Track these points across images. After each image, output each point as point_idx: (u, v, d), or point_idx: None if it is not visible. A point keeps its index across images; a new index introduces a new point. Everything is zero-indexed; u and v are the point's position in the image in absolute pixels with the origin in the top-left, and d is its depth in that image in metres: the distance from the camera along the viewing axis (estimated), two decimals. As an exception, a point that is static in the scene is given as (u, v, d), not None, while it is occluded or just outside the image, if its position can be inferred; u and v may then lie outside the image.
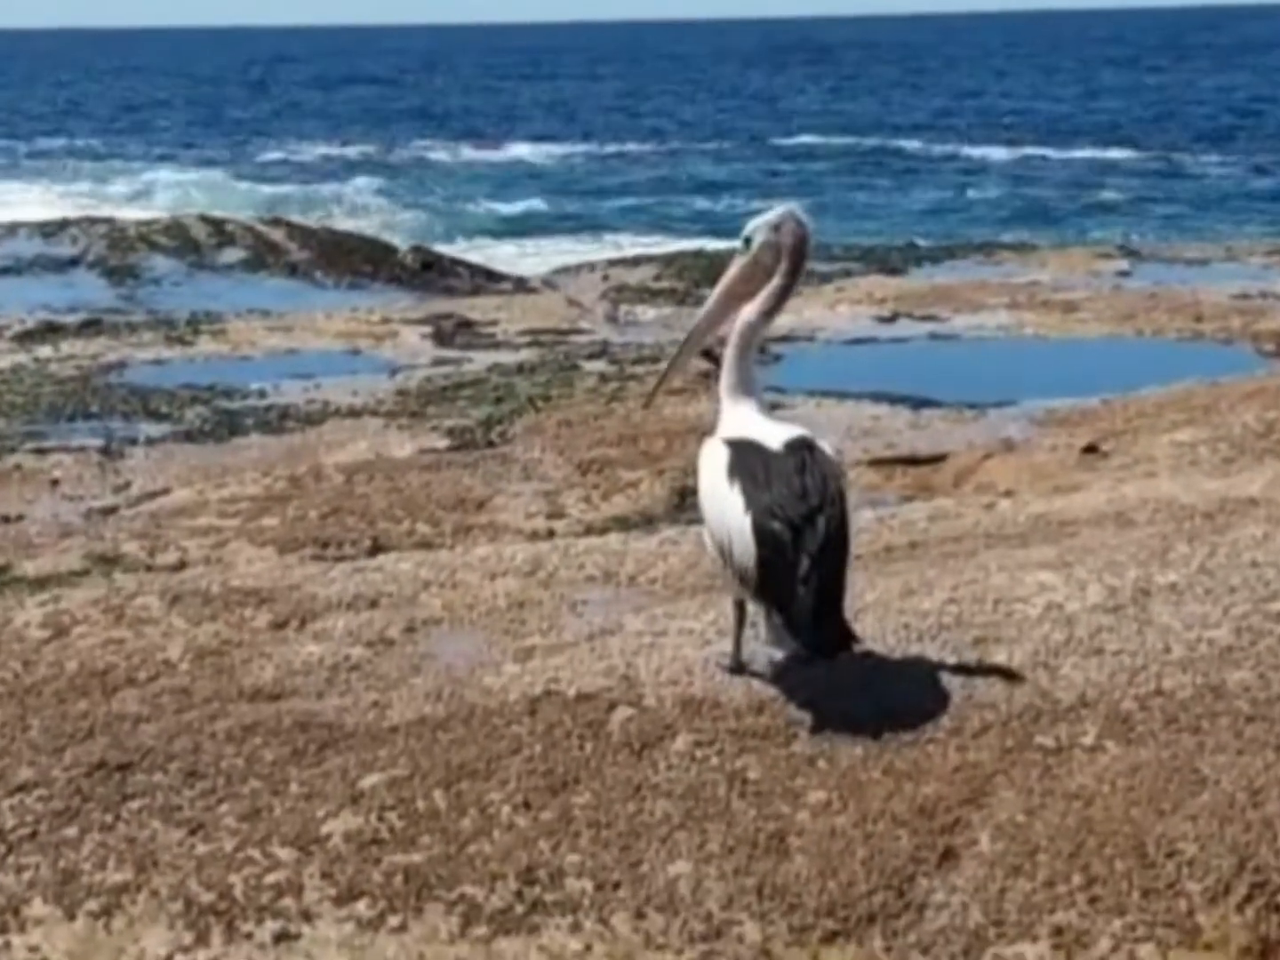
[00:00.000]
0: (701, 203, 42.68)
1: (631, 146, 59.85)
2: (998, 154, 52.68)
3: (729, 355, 5.69)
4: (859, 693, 5.58)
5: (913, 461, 10.22)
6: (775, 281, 5.65)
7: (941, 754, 5.22)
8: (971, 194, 43.35)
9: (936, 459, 10.26)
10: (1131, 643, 5.93)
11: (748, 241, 5.67)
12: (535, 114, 77.51)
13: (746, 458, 5.52)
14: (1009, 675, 5.71)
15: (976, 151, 53.95)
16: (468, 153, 58.84)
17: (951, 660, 5.88)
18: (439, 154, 58.76)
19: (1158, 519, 7.73)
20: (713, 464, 5.60)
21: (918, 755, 5.22)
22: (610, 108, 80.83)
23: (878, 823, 4.87)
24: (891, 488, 9.88)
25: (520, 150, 59.41)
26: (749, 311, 5.66)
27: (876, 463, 10.19)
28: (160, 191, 47.11)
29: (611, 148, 59.43)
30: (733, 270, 5.72)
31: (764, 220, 5.67)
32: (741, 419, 5.67)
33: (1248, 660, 5.70)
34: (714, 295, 5.76)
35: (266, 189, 46.46)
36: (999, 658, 5.90)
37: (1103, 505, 8.15)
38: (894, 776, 5.10)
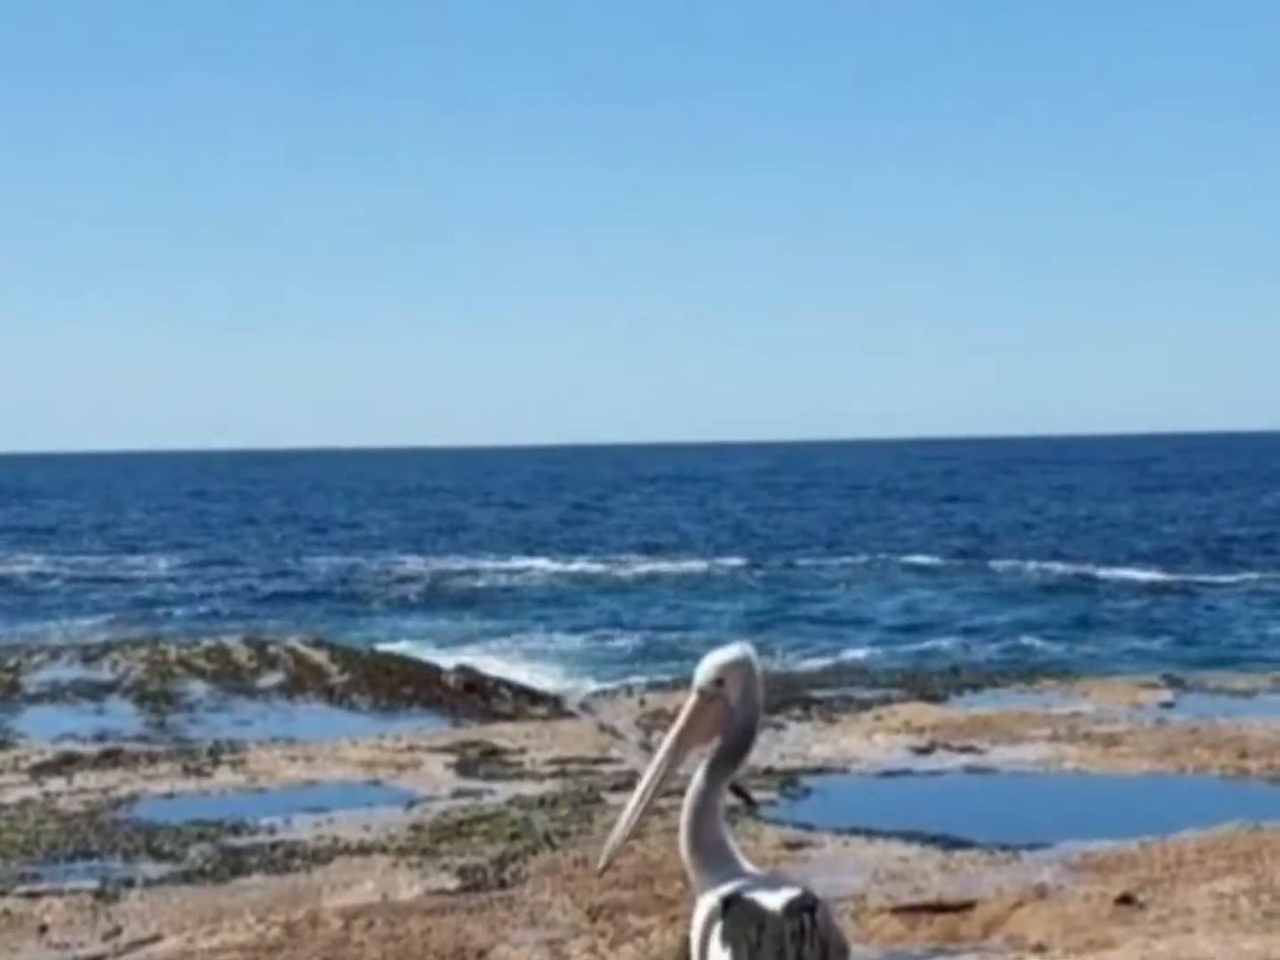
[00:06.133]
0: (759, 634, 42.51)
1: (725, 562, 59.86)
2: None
3: (689, 819, 5.37)
4: None
5: (940, 909, 9.73)
6: (731, 731, 5.38)
7: None
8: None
9: (965, 906, 9.77)
10: None
11: (718, 683, 5.40)
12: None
13: (740, 920, 5.17)
14: None
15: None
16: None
17: None
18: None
19: (1192, 982, 7.27)
20: (705, 924, 5.25)
21: None
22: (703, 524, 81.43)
23: None
24: (916, 939, 9.39)
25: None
26: (700, 773, 5.38)
27: (901, 910, 9.70)
28: None
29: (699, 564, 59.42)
30: (687, 713, 5.43)
31: (721, 660, 5.41)
32: (736, 873, 5.34)
33: None
34: (667, 742, 5.46)
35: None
36: None
37: (1134, 965, 7.69)
38: None
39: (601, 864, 5.53)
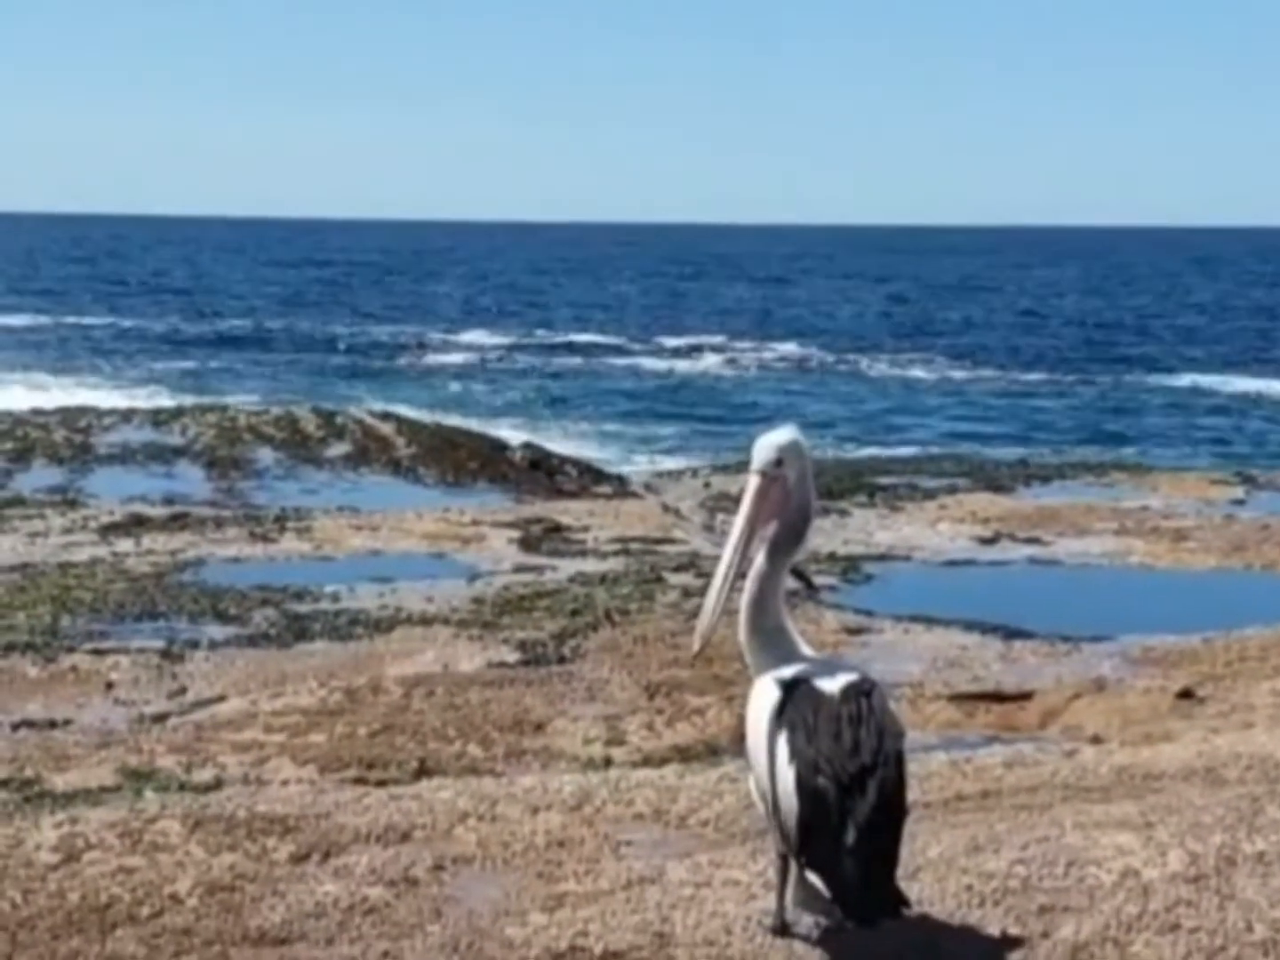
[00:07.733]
0: (838, 409, 42.21)
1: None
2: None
3: (750, 602, 5.37)
4: (908, 964, 5.14)
5: (998, 698, 9.75)
6: (790, 513, 5.35)
7: (992, 1040, 4.80)
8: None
9: (1023, 696, 9.78)
10: (1211, 919, 5.53)
11: (778, 463, 5.37)
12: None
13: (798, 702, 5.17)
14: (1074, 951, 5.31)
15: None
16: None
17: (1014, 930, 5.50)
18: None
19: (1249, 777, 7.26)
20: (761, 705, 5.26)
21: (965, 1041, 4.81)
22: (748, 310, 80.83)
23: None
24: (973, 726, 9.42)
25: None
26: (761, 557, 5.36)
27: (959, 698, 9.72)
28: None
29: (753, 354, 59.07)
30: (751, 495, 5.40)
31: (777, 440, 5.37)
32: (794, 656, 5.33)
33: (1337, 947, 5.26)
34: (738, 524, 5.43)
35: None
36: (1065, 930, 5.50)
37: (1192, 758, 7.68)
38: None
39: (695, 648, 5.56)
